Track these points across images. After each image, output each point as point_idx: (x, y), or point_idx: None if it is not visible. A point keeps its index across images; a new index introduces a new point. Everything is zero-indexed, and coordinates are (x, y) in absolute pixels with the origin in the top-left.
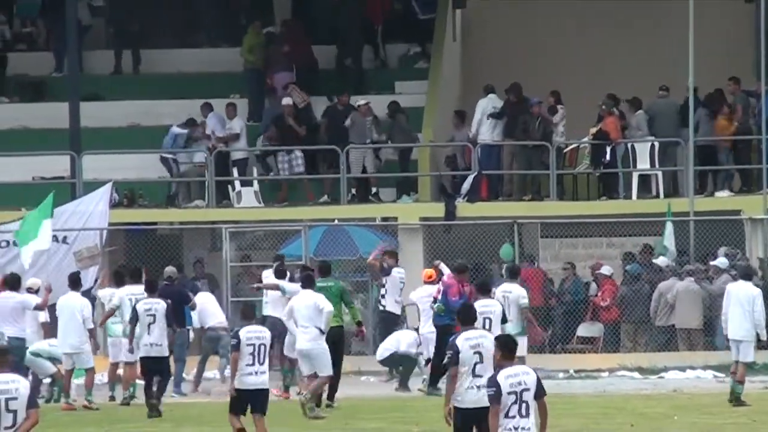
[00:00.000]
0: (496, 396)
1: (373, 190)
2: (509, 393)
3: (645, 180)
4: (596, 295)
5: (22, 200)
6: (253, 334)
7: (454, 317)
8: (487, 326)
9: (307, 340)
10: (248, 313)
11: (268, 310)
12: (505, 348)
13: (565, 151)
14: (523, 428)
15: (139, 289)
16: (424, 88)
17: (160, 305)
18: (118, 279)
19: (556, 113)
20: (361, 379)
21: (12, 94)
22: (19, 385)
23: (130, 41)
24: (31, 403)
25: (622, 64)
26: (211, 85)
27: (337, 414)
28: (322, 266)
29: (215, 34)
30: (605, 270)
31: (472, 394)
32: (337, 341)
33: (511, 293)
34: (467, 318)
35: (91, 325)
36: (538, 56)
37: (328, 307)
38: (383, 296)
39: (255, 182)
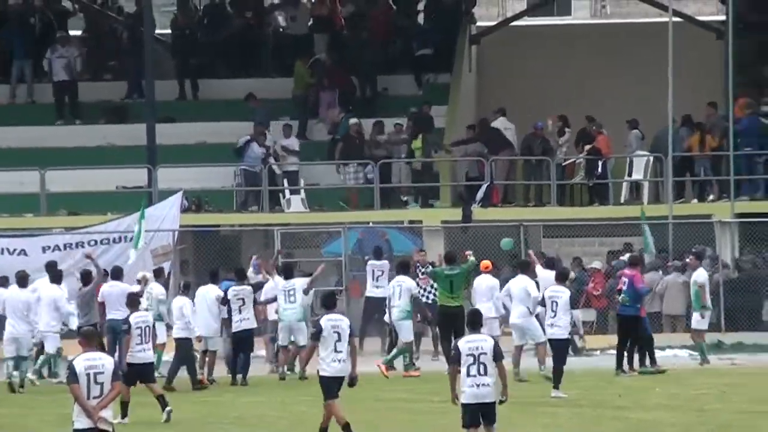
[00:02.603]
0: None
1: (404, 198)
2: (468, 355)
3: (639, 188)
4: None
5: (108, 207)
6: (334, 322)
7: (639, 306)
8: (553, 309)
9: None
10: (329, 301)
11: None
12: (470, 321)
13: (564, 164)
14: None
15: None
16: (445, 112)
17: (246, 290)
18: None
19: (564, 135)
20: None
21: (98, 116)
22: (105, 361)
23: (190, 72)
24: (115, 376)
25: (613, 91)
26: (265, 110)
27: (369, 386)
28: (449, 255)
29: (265, 66)
30: (596, 264)
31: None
32: (459, 320)
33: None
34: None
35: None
36: (541, 84)
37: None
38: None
39: (302, 191)
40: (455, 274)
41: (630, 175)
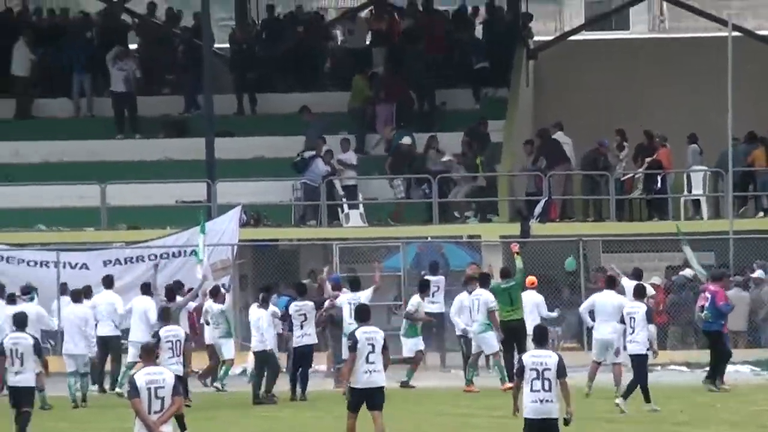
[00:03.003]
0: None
1: (465, 214)
2: (531, 370)
3: (698, 203)
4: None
5: (167, 221)
6: (369, 334)
7: (723, 322)
8: (632, 325)
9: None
10: (363, 314)
11: None
12: (536, 336)
13: (623, 179)
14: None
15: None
16: (502, 126)
17: (308, 306)
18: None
19: (623, 150)
20: (451, 371)
21: (155, 132)
22: (165, 376)
23: (248, 86)
24: (176, 391)
25: (671, 105)
26: (320, 123)
27: (428, 401)
28: (504, 271)
29: (322, 80)
30: (656, 280)
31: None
32: (520, 333)
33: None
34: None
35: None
36: (598, 98)
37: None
38: None
39: (360, 205)
40: (512, 287)
41: (690, 190)
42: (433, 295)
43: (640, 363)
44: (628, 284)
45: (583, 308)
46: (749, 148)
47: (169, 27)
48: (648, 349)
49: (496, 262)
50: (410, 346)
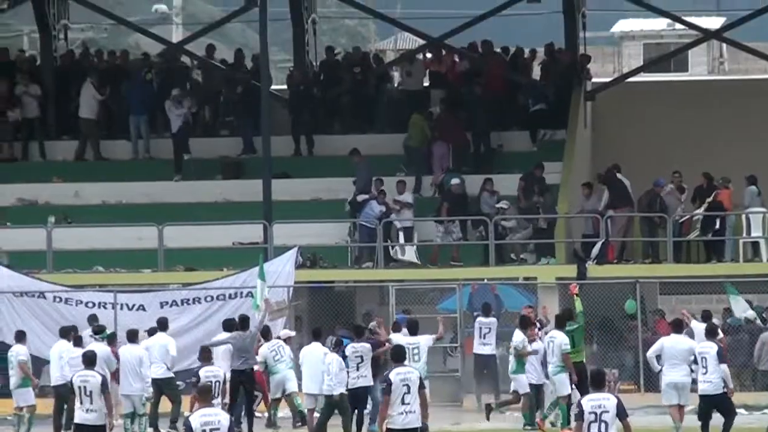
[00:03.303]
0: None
1: (521, 255)
2: (590, 413)
3: (756, 246)
4: None
5: (224, 262)
6: (404, 375)
7: None
8: (704, 365)
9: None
10: (398, 356)
11: None
12: (593, 380)
13: (681, 221)
14: None
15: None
16: (560, 168)
17: (365, 347)
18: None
19: (684, 192)
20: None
21: (214, 173)
22: (221, 417)
23: (305, 128)
24: None
25: (729, 148)
26: (378, 165)
27: None
28: (565, 312)
29: (379, 121)
30: (715, 321)
31: None
32: (581, 375)
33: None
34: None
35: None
36: (656, 141)
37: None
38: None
39: (415, 247)
40: (575, 329)
41: (749, 232)
42: (484, 337)
43: (721, 402)
44: (698, 327)
45: (651, 353)
46: None
47: (228, 69)
48: (723, 388)
49: (553, 303)
50: (522, 382)
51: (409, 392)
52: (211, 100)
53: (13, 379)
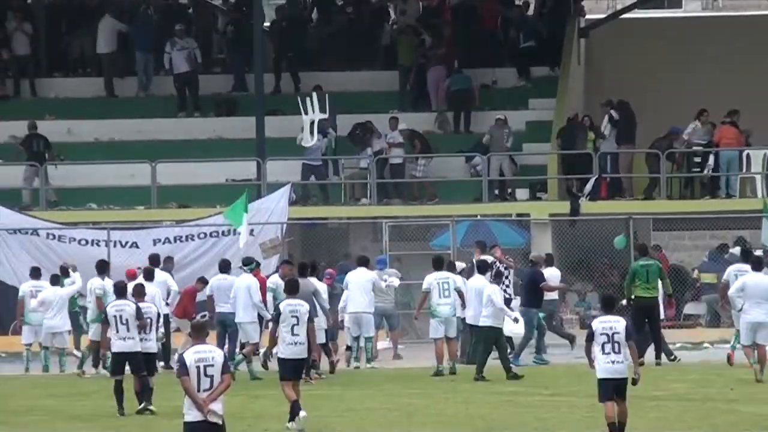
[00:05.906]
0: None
1: (509, 190)
2: (602, 334)
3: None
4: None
5: (217, 199)
6: (293, 306)
7: None
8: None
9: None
10: (292, 288)
11: None
12: (604, 303)
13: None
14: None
15: None
16: (553, 105)
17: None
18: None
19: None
20: None
21: (207, 110)
22: (215, 353)
23: (290, 65)
24: (225, 369)
25: (724, 84)
26: (371, 103)
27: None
28: (642, 246)
29: (373, 58)
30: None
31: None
32: (653, 310)
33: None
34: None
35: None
36: (650, 77)
37: None
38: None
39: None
40: (650, 265)
41: (749, 168)
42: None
43: None
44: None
45: (734, 290)
46: None
47: (221, 5)
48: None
49: (546, 240)
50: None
51: (297, 323)
52: (204, 37)
53: (90, 312)
